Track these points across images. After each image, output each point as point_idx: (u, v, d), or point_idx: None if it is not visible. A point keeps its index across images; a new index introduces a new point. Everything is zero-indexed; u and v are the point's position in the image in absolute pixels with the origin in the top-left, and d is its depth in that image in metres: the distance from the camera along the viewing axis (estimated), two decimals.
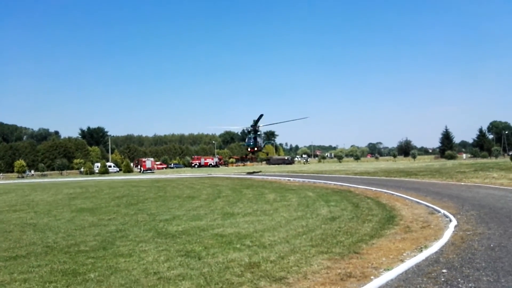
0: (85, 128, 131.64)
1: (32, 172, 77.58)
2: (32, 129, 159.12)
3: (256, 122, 46.16)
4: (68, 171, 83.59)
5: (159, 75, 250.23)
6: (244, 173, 47.25)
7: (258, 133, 46.90)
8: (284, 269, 6.24)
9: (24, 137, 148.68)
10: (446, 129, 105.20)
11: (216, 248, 7.78)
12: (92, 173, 71.83)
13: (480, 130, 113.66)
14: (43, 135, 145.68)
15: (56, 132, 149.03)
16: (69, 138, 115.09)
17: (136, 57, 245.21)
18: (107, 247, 8.24)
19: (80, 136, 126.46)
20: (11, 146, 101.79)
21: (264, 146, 48.31)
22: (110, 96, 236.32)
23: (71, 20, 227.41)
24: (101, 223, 11.71)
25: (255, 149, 46.76)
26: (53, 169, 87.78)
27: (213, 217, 12.23)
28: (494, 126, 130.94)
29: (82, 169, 77.83)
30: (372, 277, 5.70)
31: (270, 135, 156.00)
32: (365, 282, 5.51)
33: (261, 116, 44.36)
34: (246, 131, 47.13)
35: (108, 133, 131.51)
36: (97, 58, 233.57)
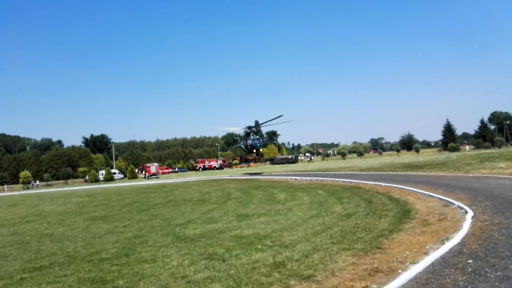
0: (88, 136, 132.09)
1: (37, 182, 77.80)
2: (35, 139, 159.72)
3: (257, 123, 46.12)
4: (73, 179, 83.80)
5: (158, 80, 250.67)
6: (248, 174, 47.32)
7: (259, 134, 47.36)
8: (311, 267, 6.29)
9: (28, 148, 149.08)
10: (448, 122, 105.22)
11: (238, 250, 7.83)
12: (97, 180, 72.00)
13: (482, 121, 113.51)
14: (46, 145, 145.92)
15: (59, 141, 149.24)
16: (73, 147, 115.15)
17: (135, 62, 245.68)
18: (129, 253, 8.31)
19: (83, 145, 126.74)
20: (15, 157, 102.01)
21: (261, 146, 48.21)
22: (111, 103, 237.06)
23: (71, 29, 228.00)
24: (117, 230, 11.78)
25: (261, 149, 46.91)
26: (57, 179, 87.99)
27: (228, 219, 12.28)
28: (495, 117, 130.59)
29: (86, 177, 78.01)
30: (399, 271, 5.75)
31: (272, 135, 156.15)
32: (393, 276, 5.55)
33: (279, 116, 43.31)
34: (246, 131, 46.27)
35: (111, 140, 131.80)
36: (95, 65, 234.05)
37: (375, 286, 5.24)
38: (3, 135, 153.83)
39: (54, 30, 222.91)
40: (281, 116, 45.39)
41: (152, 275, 6.48)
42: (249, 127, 46.26)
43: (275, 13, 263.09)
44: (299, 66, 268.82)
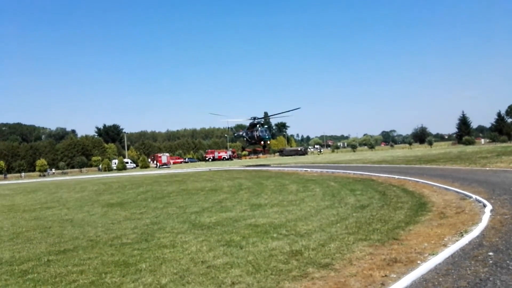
0: (100, 126, 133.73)
1: (53, 170, 79.28)
2: (50, 128, 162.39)
3: (266, 115, 45.53)
4: (87, 168, 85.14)
5: (168, 71, 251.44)
6: (258, 165, 47.42)
7: (267, 125, 47.01)
8: (328, 256, 6.35)
9: (43, 137, 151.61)
10: (463, 114, 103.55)
11: (254, 238, 7.93)
12: (110, 169, 73.03)
13: (499, 114, 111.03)
14: (60, 134, 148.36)
15: (73, 131, 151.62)
16: (86, 136, 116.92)
17: (146, 53, 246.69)
18: (148, 239, 8.49)
19: (96, 134, 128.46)
20: (31, 146, 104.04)
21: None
22: (123, 94, 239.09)
23: (83, 20, 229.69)
24: (135, 217, 12.01)
25: (268, 142, 46.68)
26: (72, 167, 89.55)
27: (241, 208, 12.41)
28: None
29: (100, 166, 79.17)
30: (418, 262, 5.77)
31: (282, 127, 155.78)
32: (412, 266, 5.58)
33: (296, 109, 44.46)
34: (251, 122, 45.19)
35: (123, 130, 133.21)
36: (107, 57, 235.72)
37: (395, 276, 5.28)
38: (19, 124, 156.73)
39: (64, 21, 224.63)
40: (298, 108, 46.17)
41: (173, 259, 6.63)
42: (255, 118, 45.24)
43: (291, 3, 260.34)
44: (310, 59, 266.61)
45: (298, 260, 6.21)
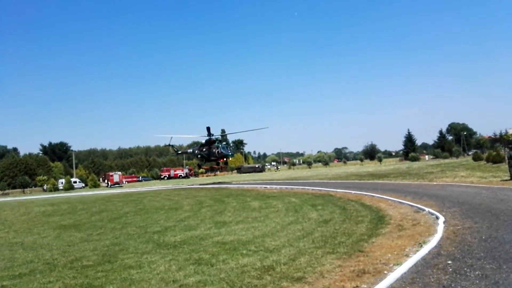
0: (46, 144, 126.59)
1: None
2: None
3: (209, 133, 44.44)
4: (30, 188, 79.74)
5: (118, 86, 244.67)
6: (217, 183, 47.04)
7: (225, 142, 46.64)
8: (299, 270, 6.47)
9: None
10: (409, 132, 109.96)
11: (224, 255, 7.88)
12: (56, 189, 68.87)
13: (440, 132, 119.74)
14: (0, 153, 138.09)
15: (15, 149, 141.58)
16: (30, 155, 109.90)
17: (94, 67, 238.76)
18: (111, 260, 8.13)
19: (41, 152, 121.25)
20: None
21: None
22: (70, 110, 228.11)
23: (31, 29, 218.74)
24: (92, 238, 11.45)
25: (230, 158, 46.47)
26: (14, 187, 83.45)
27: (206, 226, 12.25)
28: (453, 128, 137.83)
29: (45, 186, 74.54)
30: (385, 272, 6.04)
31: (239, 144, 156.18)
32: (381, 276, 5.83)
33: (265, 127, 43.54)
34: (208, 139, 44.32)
35: (71, 148, 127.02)
36: (52, 69, 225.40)
37: (365, 286, 5.49)
38: None
39: (14, 33, 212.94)
40: (266, 128, 45.57)
41: (142, 280, 6.41)
42: (210, 135, 44.26)
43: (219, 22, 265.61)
44: (268, 78, 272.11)
45: (271, 275, 6.26)
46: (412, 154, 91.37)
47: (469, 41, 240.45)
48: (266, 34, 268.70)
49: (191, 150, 49.59)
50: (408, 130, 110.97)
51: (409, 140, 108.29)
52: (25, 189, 77.80)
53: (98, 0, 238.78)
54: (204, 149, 45.03)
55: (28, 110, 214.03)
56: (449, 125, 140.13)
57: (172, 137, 48.46)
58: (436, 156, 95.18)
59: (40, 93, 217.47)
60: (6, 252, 9.96)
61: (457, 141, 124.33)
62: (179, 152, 55.73)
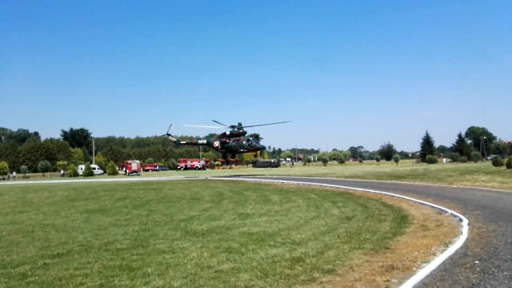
0: (67, 130, 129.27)
1: (14, 173, 75.65)
2: (11, 129, 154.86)
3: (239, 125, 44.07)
4: (51, 173, 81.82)
5: (140, 77, 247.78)
6: (233, 176, 47.38)
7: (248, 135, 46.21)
8: (329, 262, 6.68)
9: (3, 138, 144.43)
10: (427, 134, 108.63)
11: (253, 245, 8.14)
12: (76, 175, 70.53)
13: (459, 135, 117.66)
14: (22, 136, 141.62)
15: (36, 133, 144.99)
16: (51, 139, 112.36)
17: (116, 57, 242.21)
18: (144, 245, 8.49)
19: (62, 138, 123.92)
20: None
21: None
22: (91, 97, 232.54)
23: (54, 21, 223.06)
24: (121, 223, 11.86)
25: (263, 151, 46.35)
26: (35, 171, 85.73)
27: (230, 217, 12.54)
28: (472, 132, 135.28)
29: (63, 171, 76.41)
30: (414, 268, 6.21)
31: (256, 138, 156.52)
32: (410, 273, 6.01)
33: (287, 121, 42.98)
34: (230, 131, 43.37)
35: (91, 135, 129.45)
36: (76, 57, 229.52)
37: (396, 281, 5.68)
38: None
39: (34, 22, 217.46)
40: (289, 121, 45.13)
41: (177, 264, 6.73)
42: (234, 126, 43.61)
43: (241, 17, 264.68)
44: (283, 70, 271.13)
45: (301, 266, 6.50)
46: (429, 156, 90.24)
47: (492, 46, 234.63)
48: (284, 32, 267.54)
49: (205, 141, 48.81)
50: (427, 132, 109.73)
51: (427, 142, 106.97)
52: (45, 173, 79.84)
53: None
54: (229, 141, 43.51)
55: (51, 96, 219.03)
56: (468, 129, 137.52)
57: (171, 124, 47.10)
58: (454, 160, 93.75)
59: (63, 79, 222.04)
60: (40, 233, 10.42)
61: (475, 145, 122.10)
62: (181, 142, 54.96)
